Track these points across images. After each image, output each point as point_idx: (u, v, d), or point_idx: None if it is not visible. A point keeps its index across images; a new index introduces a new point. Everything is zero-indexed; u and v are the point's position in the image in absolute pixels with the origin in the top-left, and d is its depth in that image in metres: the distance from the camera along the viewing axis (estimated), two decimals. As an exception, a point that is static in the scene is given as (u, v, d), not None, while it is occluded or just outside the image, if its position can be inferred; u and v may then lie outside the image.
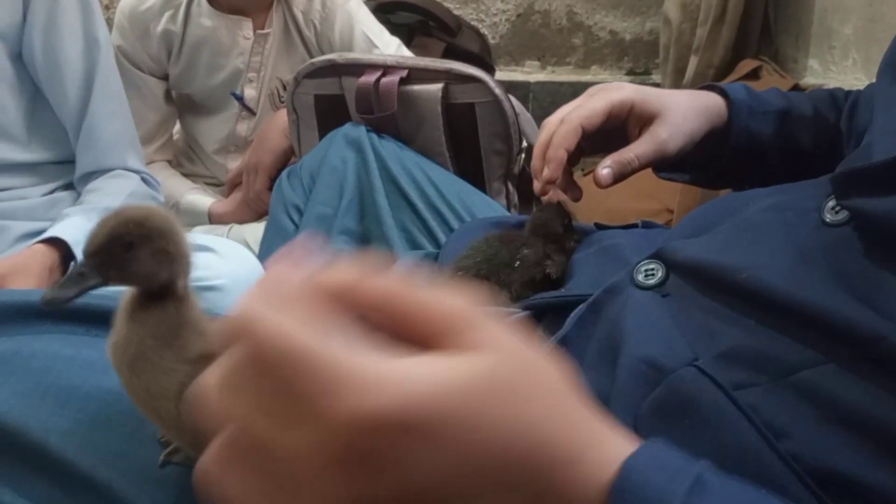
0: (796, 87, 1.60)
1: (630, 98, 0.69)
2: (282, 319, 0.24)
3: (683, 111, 0.70)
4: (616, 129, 0.71)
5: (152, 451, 0.43)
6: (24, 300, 0.49)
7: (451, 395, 0.24)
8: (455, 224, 0.90)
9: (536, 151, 0.70)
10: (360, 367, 0.24)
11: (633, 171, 0.68)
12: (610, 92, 0.70)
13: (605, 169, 0.67)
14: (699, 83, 1.89)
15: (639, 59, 2.32)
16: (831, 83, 1.60)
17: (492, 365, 0.25)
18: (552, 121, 0.69)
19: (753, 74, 1.77)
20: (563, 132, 0.67)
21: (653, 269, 0.51)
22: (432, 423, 0.24)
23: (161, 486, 0.42)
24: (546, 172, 0.67)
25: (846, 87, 0.78)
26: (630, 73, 2.32)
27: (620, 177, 0.68)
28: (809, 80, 1.70)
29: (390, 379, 0.23)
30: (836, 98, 0.76)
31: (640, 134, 0.70)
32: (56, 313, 0.50)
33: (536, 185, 0.69)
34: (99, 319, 0.51)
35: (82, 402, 0.44)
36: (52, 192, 1.10)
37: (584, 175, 1.44)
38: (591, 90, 0.72)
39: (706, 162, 0.75)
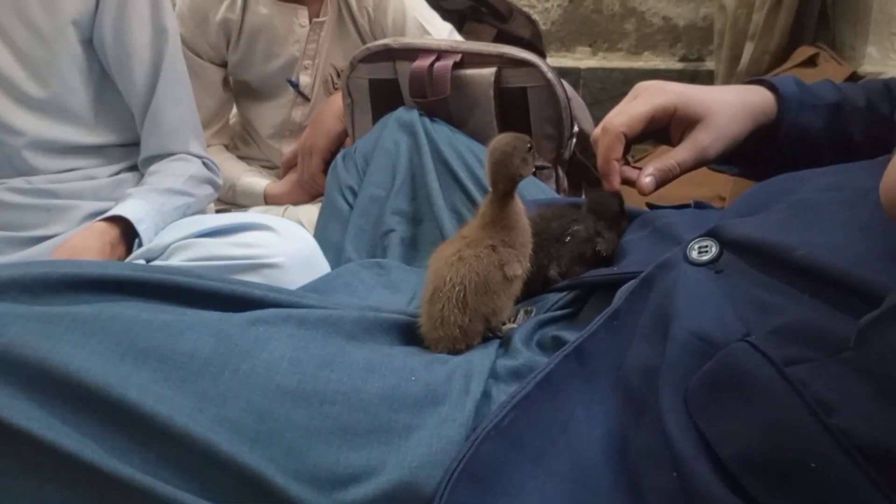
0: (854, 75, 1.56)
1: (673, 103, 0.69)
2: None
3: (729, 114, 0.69)
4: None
5: (226, 404, 0.46)
6: (106, 272, 0.52)
7: None
8: (506, 206, 0.91)
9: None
10: None
11: (675, 177, 0.70)
12: (654, 95, 0.70)
13: (647, 177, 0.68)
14: (754, 70, 1.87)
15: (692, 46, 2.28)
16: (891, 71, 1.56)
17: None
18: (597, 132, 0.71)
19: (810, 62, 1.73)
20: (607, 143, 0.69)
21: (706, 246, 0.52)
22: None
23: (236, 431, 0.45)
24: (606, 185, 0.70)
25: (908, 76, 0.77)
26: (683, 59, 2.29)
27: (662, 183, 0.70)
28: (868, 68, 1.65)
29: None
30: (891, 89, 0.74)
31: (682, 137, 0.70)
32: (129, 287, 0.53)
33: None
34: (174, 291, 0.54)
35: (158, 363, 0.47)
36: (117, 173, 1.14)
37: (636, 162, 1.42)
38: (635, 90, 0.72)
39: (755, 156, 0.74)
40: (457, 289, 0.59)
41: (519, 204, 0.63)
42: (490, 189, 0.62)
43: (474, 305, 0.59)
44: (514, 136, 0.62)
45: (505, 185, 0.61)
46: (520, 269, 0.61)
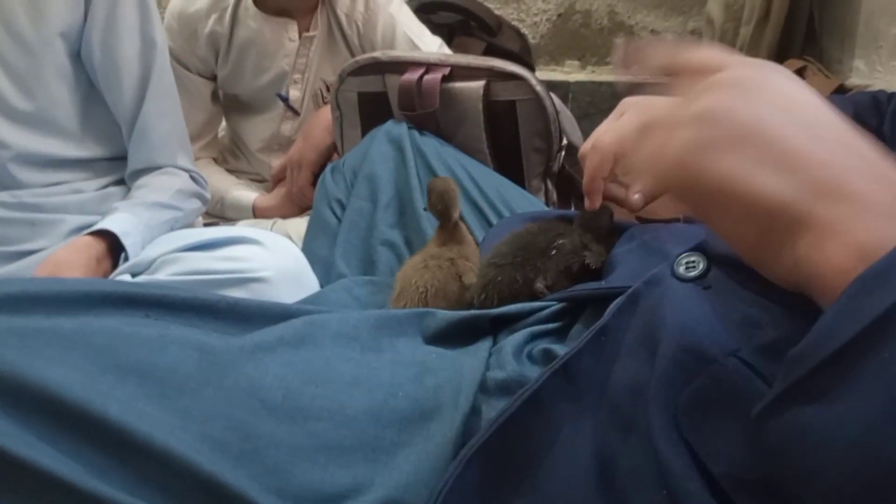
0: (841, 88, 1.57)
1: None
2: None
3: None
4: None
5: (208, 421, 0.45)
6: (90, 288, 0.52)
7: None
8: (494, 219, 0.91)
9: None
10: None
11: (663, 193, 0.70)
12: (642, 112, 0.70)
13: (636, 194, 0.68)
14: (742, 83, 1.88)
15: (680, 59, 2.30)
16: (878, 84, 1.57)
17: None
18: (585, 148, 0.71)
19: (798, 75, 1.74)
20: (596, 163, 0.69)
21: (694, 262, 0.51)
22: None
23: (219, 449, 0.44)
24: (587, 203, 0.70)
25: (894, 89, 0.77)
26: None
27: (651, 199, 0.69)
28: (855, 81, 1.67)
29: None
30: (879, 101, 0.74)
31: None
32: (117, 299, 0.53)
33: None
34: (157, 304, 0.53)
35: (140, 378, 0.46)
36: (104, 187, 1.13)
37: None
38: (622, 105, 0.72)
39: None
40: (420, 290, 0.71)
41: (463, 225, 0.78)
42: (443, 220, 0.76)
43: (432, 307, 0.69)
44: (447, 178, 0.80)
45: (456, 212, 0.76)
46: (474, 277, 0.73)
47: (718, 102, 0.36)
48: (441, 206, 0.74)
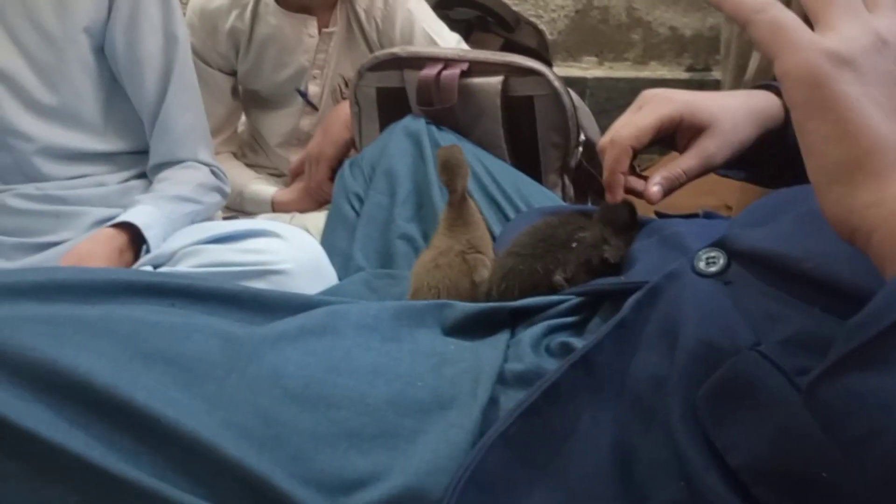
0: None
1: (679, 112, 0.69)
2: None
3: (734, 120, 0.69)
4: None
5: (233, 408, 0.46)
6: (116, 277, 0.53)
7: None
8: (511, 213, 0.92)
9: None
10: None
11: (682, 185, 0.70)
12: (660, 105, 0.69)
13: (655, 186, 0.68)
14: (761, 80, 1.86)
15: (699, 56, 2.28)
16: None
17: None
18: (604, 142, 0.71)
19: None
20: (615, 156, 0.68)
21: (714, 257, 0.51)
22: None
23: (243, 436, 0.45)
24: (609, 197, 0.70)
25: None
26: (689, 69, 2.29)
27: (669, 191, 0.69)
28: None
29: None
30: None
31: (688, 144, 0.70)
32: (142, 288, 0.54)
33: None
34: (182, 294, 0.54)
35: (166, 365, 0.47)
36: (126, 180, 1.15)
37: (643, 170, 1.42)
38: (640, 98, 0.72)
39: (763, 161, 0.74)
40: (432, 292, 0.70)
41: (472, 201, 0.75)
42: (449, 191, 0.73)
43: None
44: (454, 145, 0.75)
45: (463, 185, 0.72)
46: (486, 271, 0.71)
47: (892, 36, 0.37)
48: (445, 177, 0.72)
